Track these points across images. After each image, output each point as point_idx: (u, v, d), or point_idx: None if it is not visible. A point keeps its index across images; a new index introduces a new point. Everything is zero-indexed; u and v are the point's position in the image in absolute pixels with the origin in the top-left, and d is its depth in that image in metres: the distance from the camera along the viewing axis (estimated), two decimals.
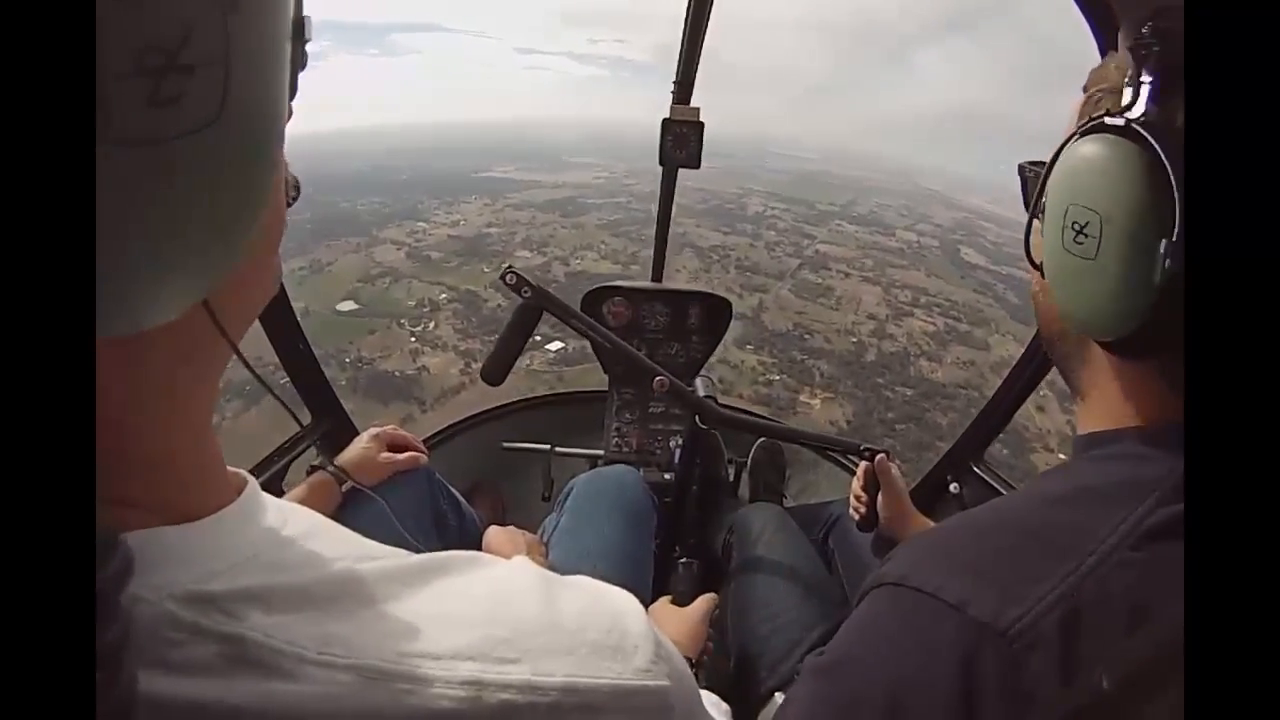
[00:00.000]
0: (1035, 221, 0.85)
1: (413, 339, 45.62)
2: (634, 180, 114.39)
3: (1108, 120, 0.72)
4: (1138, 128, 0.68)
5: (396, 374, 40.58)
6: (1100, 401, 0.85)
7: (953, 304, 60.50)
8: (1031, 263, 0.85)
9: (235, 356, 0.55)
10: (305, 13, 0.48)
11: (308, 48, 0.49)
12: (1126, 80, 0.72)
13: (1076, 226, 0.74)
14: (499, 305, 50.66)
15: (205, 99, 0.38)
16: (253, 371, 0.65)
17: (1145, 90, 0.69)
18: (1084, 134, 0.75)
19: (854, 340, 50.64)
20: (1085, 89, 0.85)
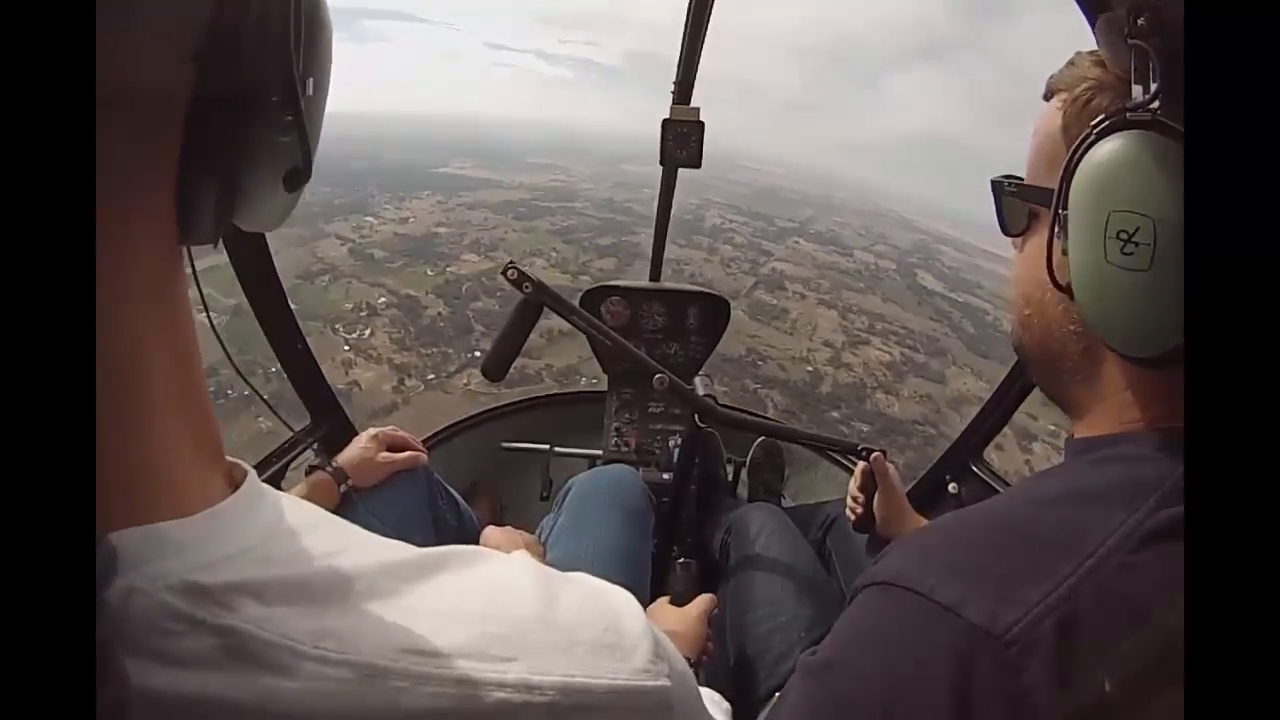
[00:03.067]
0: (1054, 239, 0.79)
1: (346, 348, 42.91)
2: (591, 186, 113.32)
3: (1130, 116, 0.69)
4: (1166, 120, 0.66)
5: None
6: (1101, 413, 0.84)
7: (909, 332, 59.94)
8: (1056, 285, 0.79)
9: (216, 363, 0.57)
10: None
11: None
12: (1134, 75, 0.70)
13: (1123, 235, 0.69)
14: (439, 314, 48.64)
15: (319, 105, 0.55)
16: (245, 379, 0.65)
17: (1156, 82, 0.67)
18: (1103, 133, 0.72)
19: (809, 369, 49.26)
20: (1054, 91, 0.84)
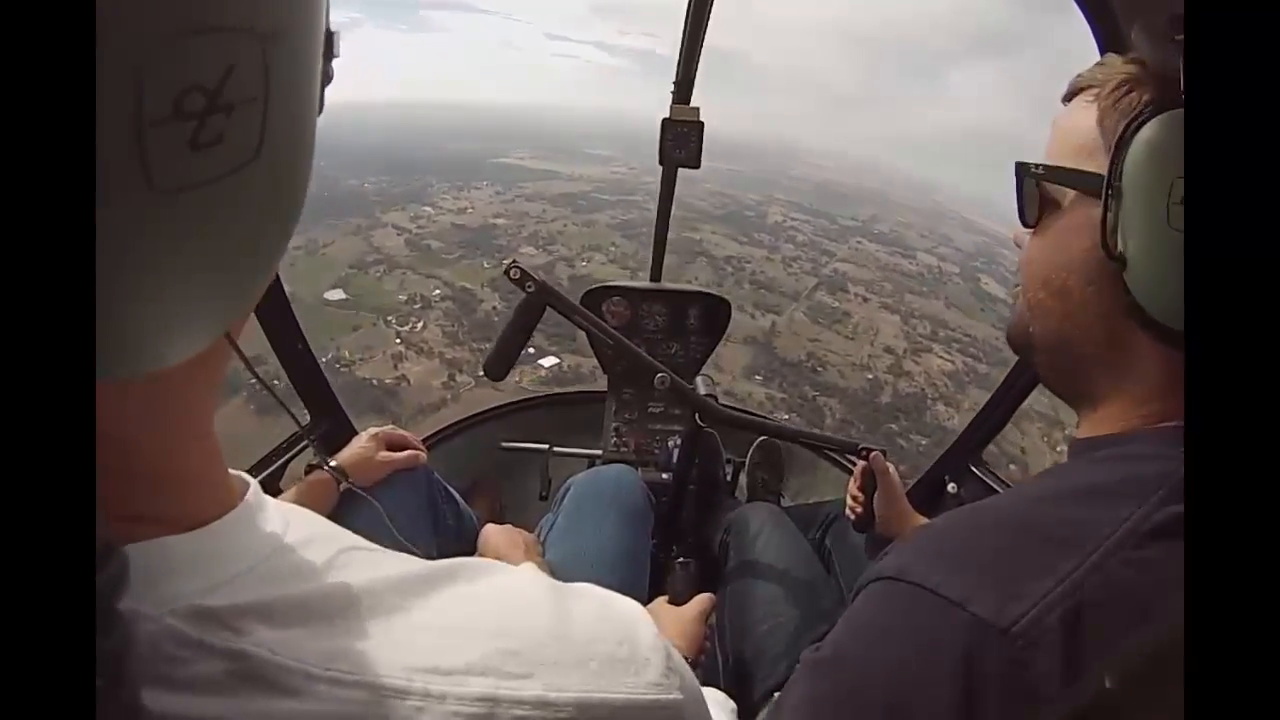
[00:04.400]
0: (1108, 211, 0.79)
1: (398, 340, 42.87)
2: (652, 179, 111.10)
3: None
4: None
5: (374, 382, 37.64)
6: (1117, 404, 0.85)
7: (972, 340, 57.98)
8: (1109, 253, 0.79)
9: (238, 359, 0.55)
10: (333, 28, 0.47)
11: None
12: (1183, 70, 0.70)
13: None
14: (494, 308, 48.25)
15: (245, 137, 0.37)
16: (260, 379, 0.61)
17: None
18: (1157, 110, 0.75)
19: (869, 377, 48.09)
20: (1082, 89, 0.85)
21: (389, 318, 45.81)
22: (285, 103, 0.39)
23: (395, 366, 40.05)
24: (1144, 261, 0.76)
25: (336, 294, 47.01)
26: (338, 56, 0.48)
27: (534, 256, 60.24)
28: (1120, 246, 0.77)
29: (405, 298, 50.36)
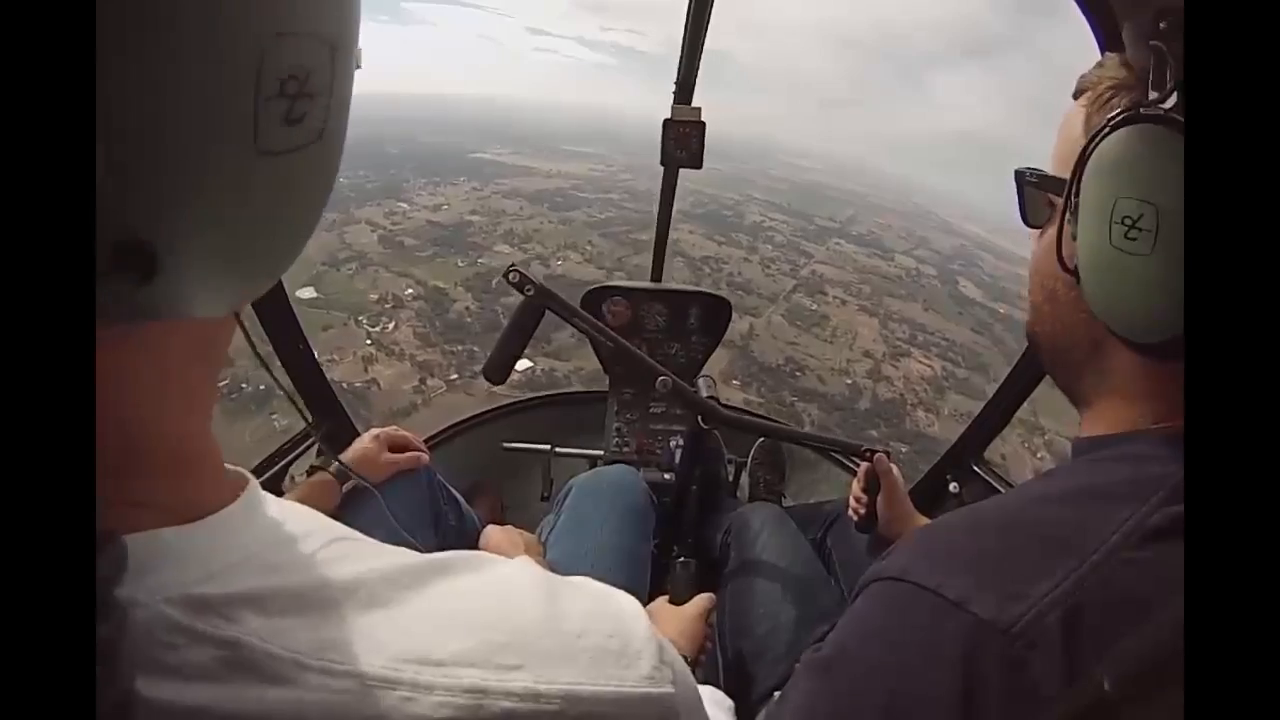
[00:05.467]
0: (1065, 224, 0.82)
1: (369, 341, 42.15)
2: (631, 176, 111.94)
3: (1144, 111, 0.72)
4: (1176, 117, 0.68)
5: (344, 385, 36.47)
6: (1109, 408, 0.85)
7: (950, 344, 58.33)
8: (1063, 266, 0.82)
9: (230, 356, 0.57)
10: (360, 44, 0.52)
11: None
12: (1151, 76, 0.72)
13: (1128, 221, 0.72)
14: (467, 308, 47.73)
15: (316, 122, 0.44)
16: (269, 370, 0.70)
17: (1171, 82, 0.69)
18: (1115, 126, 0.75)
19: (848, 381, 47.85)
20: (1080, 91, 0.86)
21: (360, 317, 45.15)
22: (338, 100, 0.46)
23: (366, 369, 39.44)
24: (1093, 276, 0.77)
25: (308, 292, 45.92)
26: (360, 68, 0.53)
27: (509, 255, 59.45)
28: (1074, 261, 0.79)
29: (377, 297, 49.60)
